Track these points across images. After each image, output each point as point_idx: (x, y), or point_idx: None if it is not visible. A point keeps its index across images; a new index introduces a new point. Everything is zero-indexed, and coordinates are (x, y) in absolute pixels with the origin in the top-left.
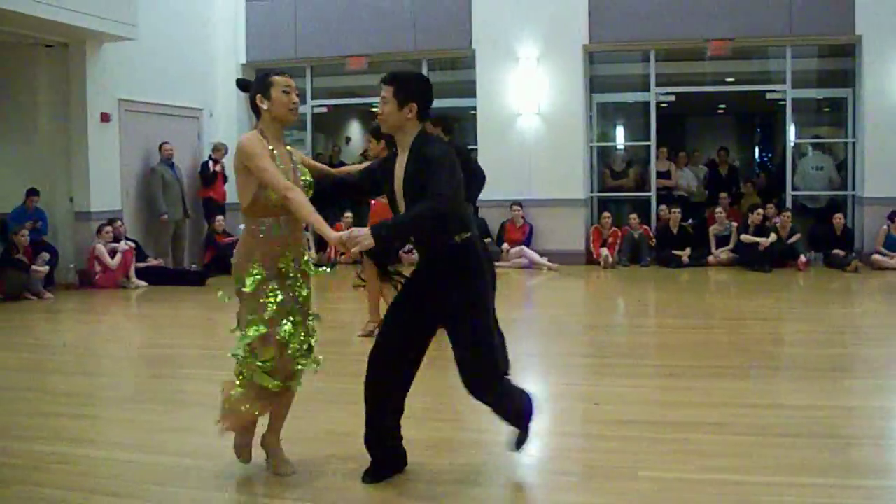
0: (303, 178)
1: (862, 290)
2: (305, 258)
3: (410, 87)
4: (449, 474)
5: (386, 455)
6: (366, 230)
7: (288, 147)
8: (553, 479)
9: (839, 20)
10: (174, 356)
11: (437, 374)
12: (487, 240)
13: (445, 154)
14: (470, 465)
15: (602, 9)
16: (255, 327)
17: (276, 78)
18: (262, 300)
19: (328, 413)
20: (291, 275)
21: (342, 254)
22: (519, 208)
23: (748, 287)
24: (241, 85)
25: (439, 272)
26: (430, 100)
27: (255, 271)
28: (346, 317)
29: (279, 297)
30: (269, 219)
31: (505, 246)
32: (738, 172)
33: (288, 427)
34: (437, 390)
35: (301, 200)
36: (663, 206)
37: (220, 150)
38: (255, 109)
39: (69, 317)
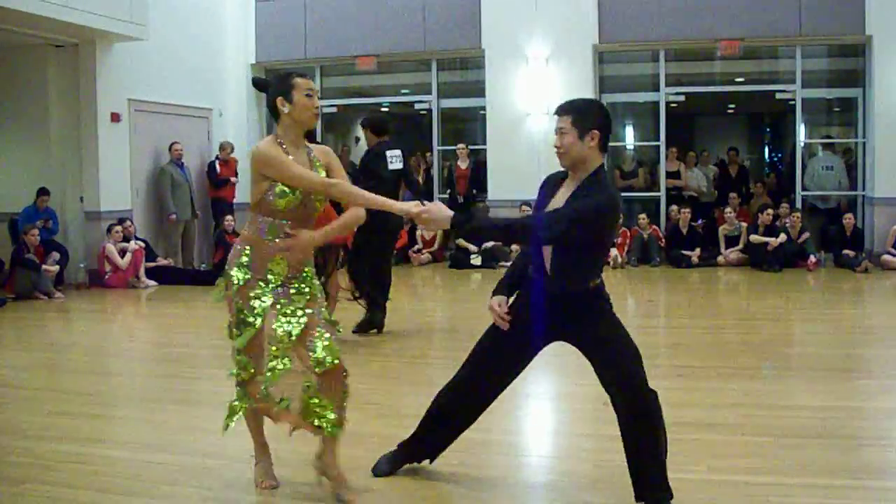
0: None
1: (872, 290)
2: (306, 273)
3: (591, 115)
4: (459, 475)
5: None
6: (446, 212)
7: (315, 147)
8: (563, 480)
9: (849, 20)
10: (185, 356)
11: (445, 374)
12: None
13: (602, 206)
14: (480, 466)
15: (612, 9)
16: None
17: (299, 80)
18: (248, 300)
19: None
20: (280, 287)
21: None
22: (528, 208)
23: (758, 287)
24: (259, 84)
25: (569, 314)
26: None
27: (243, 268)
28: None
29: (265, 301)
30: (270, 218)
31: (514, 246)
32: (749, 172)
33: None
34: None
35: (347, 188)
36: (674, 207)
37: (225, 148)
38: (274, 111)
39: (80, 316)
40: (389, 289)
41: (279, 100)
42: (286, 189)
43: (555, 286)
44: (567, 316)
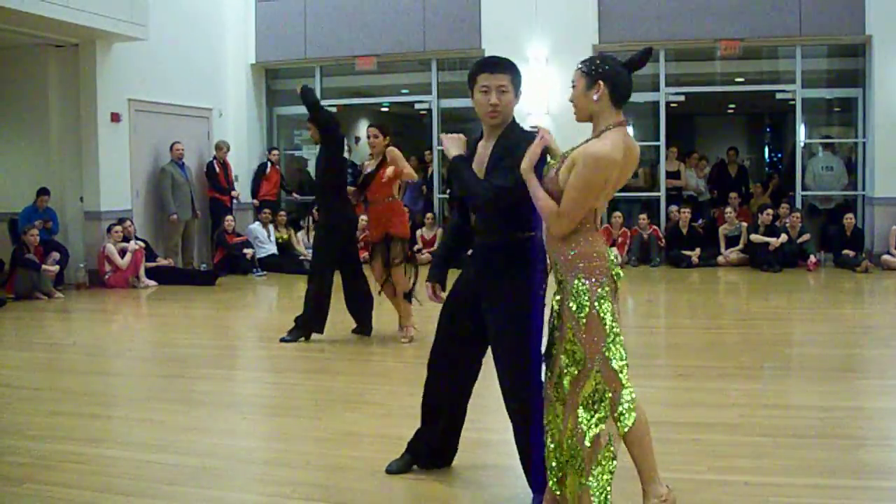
0: None
1: (872, 290)
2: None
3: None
4: (459, 475)
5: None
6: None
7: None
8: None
9: (849, 20)
10: (186, 356)
11: None
12: None
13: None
14: (480, 466)
15: (612, 9)
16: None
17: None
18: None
19: (345, 414)
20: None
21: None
22: None
23: (758, 287)
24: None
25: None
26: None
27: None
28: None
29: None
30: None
31: None
32: (748, 172)
33: (304, 427)
34: None
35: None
36: (673, 207)
37: (221, 148)
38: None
39: (80, 316)
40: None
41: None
42: None
43: (482, 238)
44: (489, 271)
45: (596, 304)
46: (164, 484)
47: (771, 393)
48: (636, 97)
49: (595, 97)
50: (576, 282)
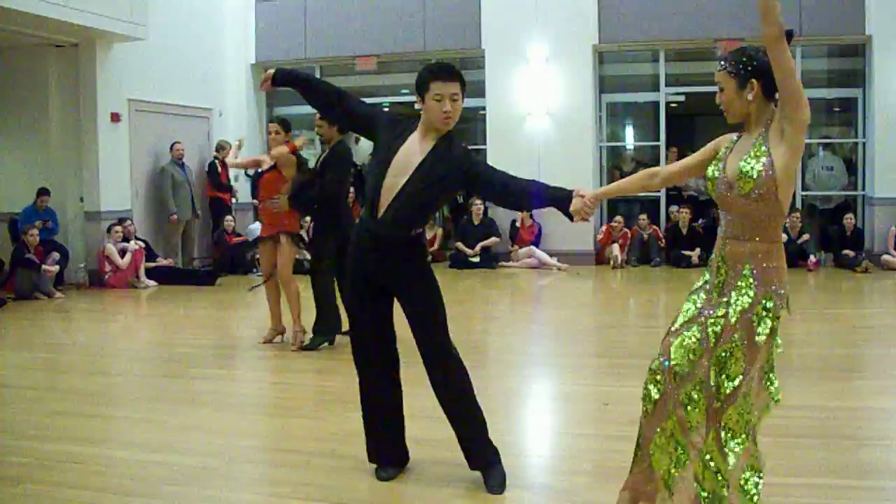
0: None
1: (872, 290)
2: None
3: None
4: (459, 475)
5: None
6: None
7: None
8: (564, 480)
9: (849, 20)
10: (186, 356)
11: None
12: (495, 239)
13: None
14: None
15: (612, 9)
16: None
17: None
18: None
19: (345, 414)
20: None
21: None
22: None
23: None
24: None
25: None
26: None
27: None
28: None
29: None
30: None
31: (514, 246)
32: None
33: (304, 427)
34: None
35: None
36: (674, 207)
37: (224, 148)
38: None
39: (80, 316)
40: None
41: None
42: None
43: (385, 230)
44: (390, 261)
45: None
46: (164, 484)
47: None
48: (636, 97)
49: (750, 97)
50: (765, 301)
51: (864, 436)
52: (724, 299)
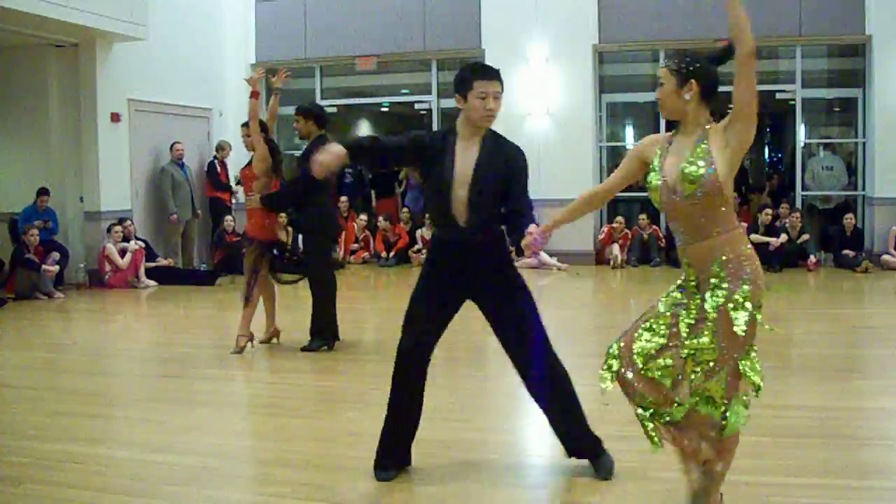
0: None
1: (872, 290)
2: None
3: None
4: (459, 475)
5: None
6: None
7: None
8: (564, 480)
9: (849, 20)
10: (186, 356)
11: (446, 373)
12: None
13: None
14: (480, 466)
15: (612, 9)
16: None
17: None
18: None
19: (345, 414)
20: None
21: (353, 253)
22: None
23: None
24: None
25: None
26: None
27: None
28: (361, 317)
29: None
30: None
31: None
32: (748, 172)
33: (304, 427)
34: (445, 390)
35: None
36: None
37: (224, 148)
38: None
39: (80, 316)
40: (335, 296)
41: None
42: None
43: (473, 237)
44: (483, 265)
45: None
46: (164, 484)
47: (771, 393)
48: (636, 97)
49: (687, 96)
50: (740, 292)
51: (864, 436)
52: (698, 297)
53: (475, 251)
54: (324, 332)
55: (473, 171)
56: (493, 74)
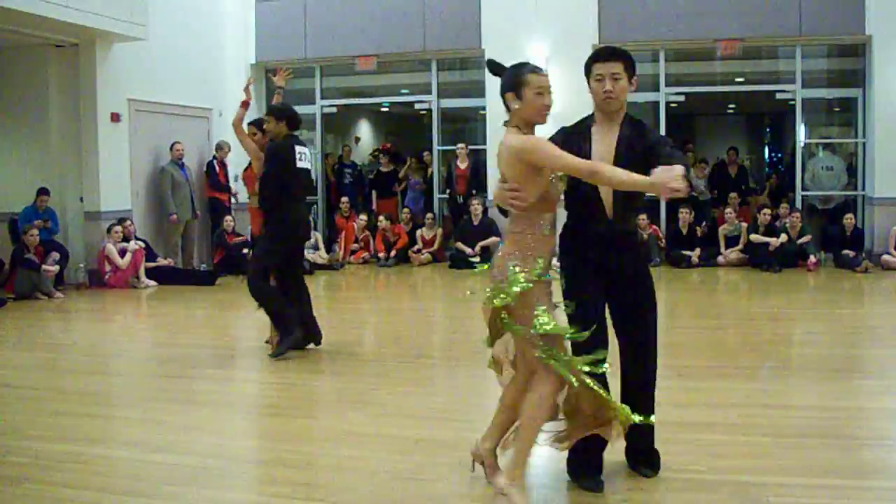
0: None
1: (872, 290)
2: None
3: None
4: (459, 475)
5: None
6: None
7: None
8: (564, 480)
9: (849, 20)
10: (186, 355)
11: (445, 374)
12: (494, 239)
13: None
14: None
15: (612, 8)
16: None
17: (530, 77)
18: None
19: (345, 414)
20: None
21: (353, 253)
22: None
23: (758, 287)
24: (492, 68)
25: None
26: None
27: (523, 276)
28: (361, 317)
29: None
30: (550, 215)
31: None
32: (748, 172)
33: (304, 427)
34: (445, 390)
35: (609, 169)
36: (684, 210)
37: (223, 148)
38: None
39: (80, 316)
40: (308, 300)
41: (510, 95)
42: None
43: (617, 227)
44: (625, 256)
45: None
46: (164, 484)
47: (771, 393)
48: (636, 97)
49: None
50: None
51: (864, 436)
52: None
53: (619, 243)
54: (285, 336)
55: (615, 159)
56: (609, 55)
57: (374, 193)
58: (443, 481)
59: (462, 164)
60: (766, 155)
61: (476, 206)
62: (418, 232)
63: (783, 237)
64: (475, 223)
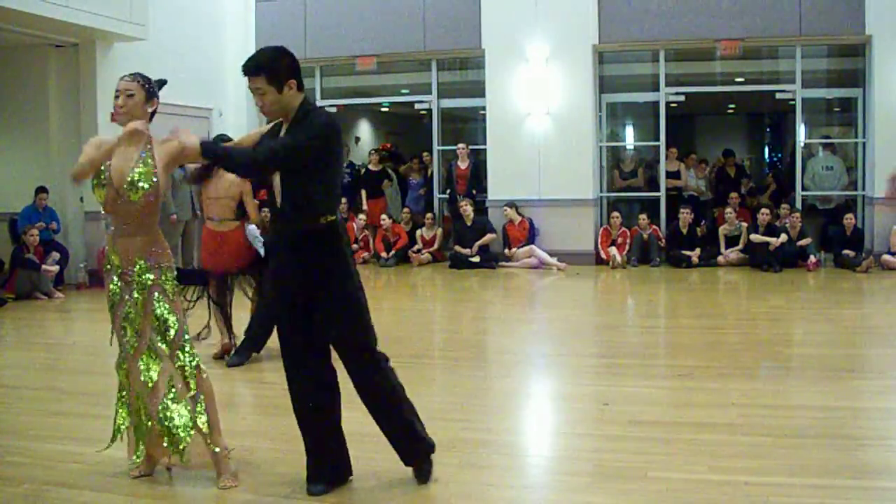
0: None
1: (872, 290)
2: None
3: (281, 65)
4: (459, 475)
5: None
6: (197, 138)
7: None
8: (563, 480)
9: (849, 20)
10: None
11: (445, 374)
12: (491, 236)
13: (319, 128)
14: (480, 466)
15: (612, 9)
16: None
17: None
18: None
19: (345, 414)
20: (112, 286)
21: (353, 253)
22: (508, 209)
23: (758, 287)
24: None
25: (306, 253)
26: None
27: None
28: None
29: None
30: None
31: (511, 249)
32: (746, 172)
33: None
34: (445, 390)
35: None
36: (684, 210)
37: None
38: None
39: (80, 316)
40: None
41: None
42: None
43: (290, 223)
44: (306, 258)
45: None
46: (165, 484)
47: (771, 393)
48: (636, 97)
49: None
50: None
51: (864, 436)
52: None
53: (297, 238)
54: (250, 349)
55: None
56: (246, 70)
57: (363, 193)
58: (443, 481)
59: (462, 164)
60: (766, 155)
61: (464, 208)
62: (418, 232)
63: (783, 237)
64: (468, 224)
